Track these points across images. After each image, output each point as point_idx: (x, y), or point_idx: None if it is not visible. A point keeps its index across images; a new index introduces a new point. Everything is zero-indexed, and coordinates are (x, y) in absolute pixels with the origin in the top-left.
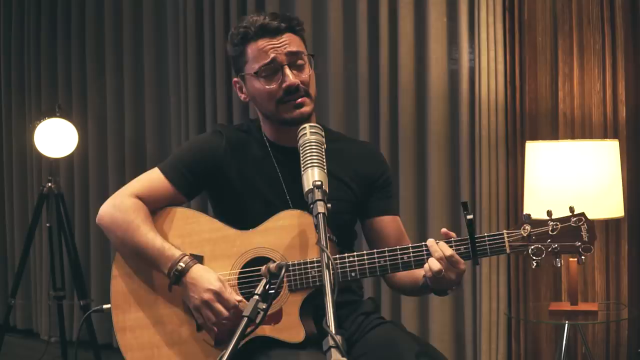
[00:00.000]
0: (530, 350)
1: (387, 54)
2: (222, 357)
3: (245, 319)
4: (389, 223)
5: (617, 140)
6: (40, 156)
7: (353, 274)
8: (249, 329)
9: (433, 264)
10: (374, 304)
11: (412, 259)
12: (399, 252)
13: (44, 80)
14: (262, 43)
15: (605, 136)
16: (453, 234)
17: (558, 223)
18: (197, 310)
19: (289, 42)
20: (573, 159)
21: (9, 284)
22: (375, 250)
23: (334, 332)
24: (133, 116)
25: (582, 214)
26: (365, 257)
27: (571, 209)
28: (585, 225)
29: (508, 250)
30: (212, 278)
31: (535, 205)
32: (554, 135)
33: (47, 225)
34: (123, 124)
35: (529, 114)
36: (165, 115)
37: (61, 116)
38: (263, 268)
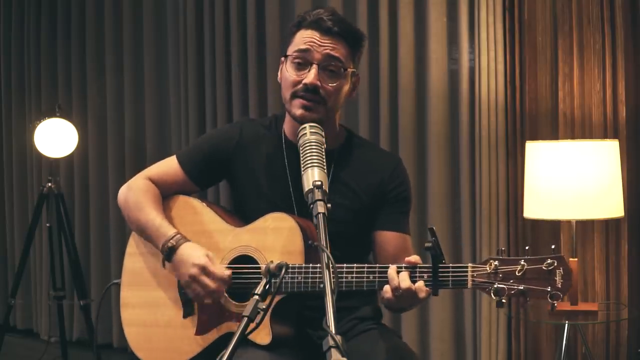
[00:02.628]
0: (530, 350)
1: (387, 54)
2: (222, 357)
3: (246, 319)
4: (391, 239)
5: (617, 140)
6: (40, 156)
7: (322, 285)
8: (249, 329)
9: (387, 291)
10: (372, 310)
11: (376, 279)
12: (366, 271)
13: (44, 80)
14: (309, 34)
15: (605, 136)
16: (417, 260)
17: (525, 264)
18: (187, 287)
19: (333, 47)
20: (573, 159)
21: (9, 284)
22: (345, 265)
23: (334, 332)
24: (133, 116)
25: (560, 257)
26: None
27: (553, 250)
28: (561, 271)
29: (469, 285)
30: (199, 253)
31: (535, 205)
32: (554, 135)
33: (47, 225)
34: (123, 124)
35: (529, 114)
36: (165, 115)
37: (61, 116)
38: (263, 268)
